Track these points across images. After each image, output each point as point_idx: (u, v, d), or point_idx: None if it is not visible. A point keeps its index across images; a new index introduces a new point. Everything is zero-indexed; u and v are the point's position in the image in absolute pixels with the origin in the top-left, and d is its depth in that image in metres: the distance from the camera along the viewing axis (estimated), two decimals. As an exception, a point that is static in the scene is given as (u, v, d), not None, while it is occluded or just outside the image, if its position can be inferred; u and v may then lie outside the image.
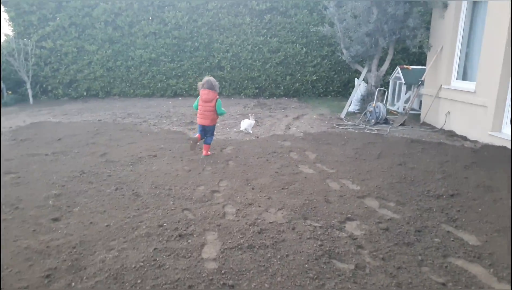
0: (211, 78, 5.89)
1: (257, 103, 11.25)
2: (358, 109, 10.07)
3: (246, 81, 12.96)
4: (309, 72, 12.86)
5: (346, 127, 8.30)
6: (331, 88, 13.20)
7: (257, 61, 12.71)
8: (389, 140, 6.97)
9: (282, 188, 4.44)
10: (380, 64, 9.63)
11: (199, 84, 5.90)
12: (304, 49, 12.66)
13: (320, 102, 12.16)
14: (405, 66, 10.53)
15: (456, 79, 8.18)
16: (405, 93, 10.26)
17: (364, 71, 9.61)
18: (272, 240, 3.17)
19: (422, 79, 8.74)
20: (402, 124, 8.54)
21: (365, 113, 8.98)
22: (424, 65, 9.63)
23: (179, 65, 12.83)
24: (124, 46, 12.70)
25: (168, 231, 3.39)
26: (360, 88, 9.79)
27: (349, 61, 9.59)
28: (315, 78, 12.88)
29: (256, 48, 12.67)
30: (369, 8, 8.76)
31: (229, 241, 3.19)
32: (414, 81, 10.16)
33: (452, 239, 3.15)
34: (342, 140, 6.92)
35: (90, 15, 12.45)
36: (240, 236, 3.26)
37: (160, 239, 3.25)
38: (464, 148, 6.38)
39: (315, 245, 3.08)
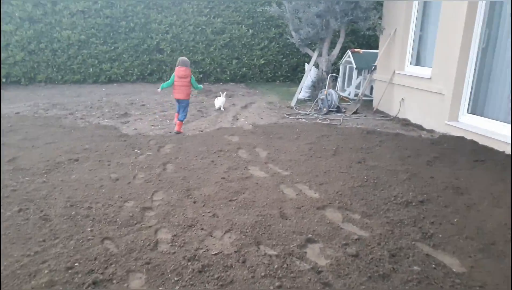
0: (185, 57, 6.79)
1: (202, 90, 10.32)
2: (308, 96, 9.55)
3: (190, 66, 11.92)
4: (256, 55, 12.11)
5: (297, 117, 7.72)
6: (279, 72, 12.58)
7: (200, 44, 11.71)
8: (343, 132, 6.49)
9: (230, 200, 3.72)
10: (331, 48, 9.12)
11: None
12: (251, 31, 11.85)
13: (268, 88, 11.51)
14: (356, 50, 10.14)
15: (410, 64, 7.88)
16: (356, 78, 9.90)
17: (314, 56, 9.05)
18: (218, 283, 2.45)
19: (375, 64, 8.35)
20: (355, 112, 8.14)
21: (316, 101, 8.46)
22: (376, 48, 9.28)
23: (112, 47, 11.45)
24: (48, 26, 11.03)
25: (79, 275, 2.54)
26: (310, 73, 9.24)
27: (298, 45, 8.97)
28: (262, 62, 12.17)
29: (198, 29, 11.64)
30: (320, -13, 8.14)
31: (160, 288, 2.42)
32: (365, 66, 9.81)
33: (433, 265, 2.63)
34: (294, 133, 6.32)
35: (2, -12, 10.60)
36: (176, 278, 2.51)
37: (66, 292, 2.40)
38: (422, 140, 6.05)
39: (271, 287, 2.41)
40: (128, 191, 3.91)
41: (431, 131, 6.68)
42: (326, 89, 8.30)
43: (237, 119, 7.46)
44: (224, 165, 4.73)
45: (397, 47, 7.99)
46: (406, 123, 7.35)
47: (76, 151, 5.15)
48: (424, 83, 6.99)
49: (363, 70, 9.98)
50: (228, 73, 12.14)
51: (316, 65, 9.42)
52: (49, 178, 4.22)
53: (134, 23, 11.34)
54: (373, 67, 8.36)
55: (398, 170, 4.59)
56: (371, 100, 9.16)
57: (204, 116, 7.61)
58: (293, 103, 8.85)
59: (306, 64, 9.55)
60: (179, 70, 6.47)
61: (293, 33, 9.01)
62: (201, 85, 7.22)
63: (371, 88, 10.57)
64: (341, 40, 8.75)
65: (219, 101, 8.25)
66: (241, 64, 12.12)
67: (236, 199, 3.72)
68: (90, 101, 8.91)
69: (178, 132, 6.29)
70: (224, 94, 8.47)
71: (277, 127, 6.76)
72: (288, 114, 7.87)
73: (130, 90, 10.70)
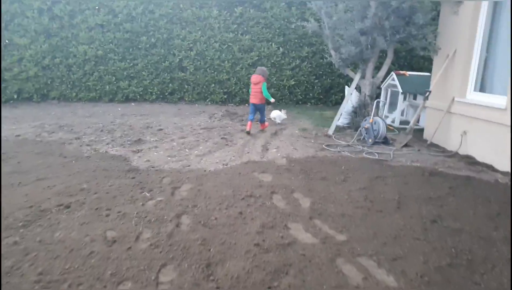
0: (263, 67, 7.61)
1: (226, 112, 9.31)
2: (347, 123, 8.37)
3: (213, 85, 11.00)
4: (286, 76, 11.07)
5: (338, 149, 6.54)
6: (310, 94, 11.48)
7: (226, 62, 10.78)
8: (400, 172, 5.26)
9: (269, 288, 2.56)
10: (375, 70, 7.97)
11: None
12: (281, 49, 10.85)
13: (299, 112, 10.39)
14: (401, 72, 8.96)
15: (474, 90, 6.62)
16: (402, 104, 8.68)
17: (356, 78, 7.91)
18: None
19: (430, 89, 7.12)
20: (405, 145, 6.90)
21: (360, 130, 7.27)
22: (419, 71, 8.07)
23: (131, 64, 10.66)
24: (63, 40, 10.39)
25: None
26: (351, 98, 8.08)
27: (338, 65, 7.87)
28: (293, 83, 11.11)
29: (224, 47, 10.73)
30: (366, 0, 7.05)
31: None
32: (412, 90, 8.61)
33: None
34: (340, 172, 5.14)
35: (20, 1, 10.05)
36: None
37: None
38: (503, 187, 4.76)
39: None
40: (126, 263, 2.81)
41: (507, 174, 5.37)
42: (371, 117, 7.11)
43: (267, 150, 6.35)
44: (256, 220, 3.59)
45: (457, 71, 6.76)
46: (471, 161, 6.05)
47: (70, 193, 4.12)
48: (495, 114, 5.72)
49: (407, 95, 8.77)
50: (236, 98, 11.12)
51: (358, 88, 8.27)
52: (25, 236, 3.18)
53: (155, 38, 10.55)
54: (428, 93, 7.12)
55: (494, 237, 3.34)
56: (419, 129, 7.90)
57: (229, 145, 6.53)
58: (331, 131, 7.68)
59: (346, 87, 8.44)
60: (252, 77, 7.35)
61: (333, 52, 7.94)
62: (269, 95, 7.51)
63: (414, 114, 9.33)
64: (388, 61, 7.60)
65: (275, 114, 8.45)
66: (269, 84, 11.08)
67: (277, 287, 2.56)
68: (102, 123, 8.01)
69: (263, 129, 7.60)
70: (285, 111, 8.55)
71: (316, 163, 5.59)
72: (327, 145, 6.70)
73: (148, 110, 9.80)
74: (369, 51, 7.42)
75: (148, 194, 4.15)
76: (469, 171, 5.54)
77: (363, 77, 7.90)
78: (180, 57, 10.68)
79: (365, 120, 7.27)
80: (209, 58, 10.76)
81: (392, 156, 6.20)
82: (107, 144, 6.35)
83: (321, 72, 11.23)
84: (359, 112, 7.96)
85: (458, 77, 6.76)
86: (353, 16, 7.28)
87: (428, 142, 7.16)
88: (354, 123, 8.03)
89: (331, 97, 11.50)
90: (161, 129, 7.41)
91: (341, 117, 8.47)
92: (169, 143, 6.48)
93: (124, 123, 8.06)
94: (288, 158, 5.81)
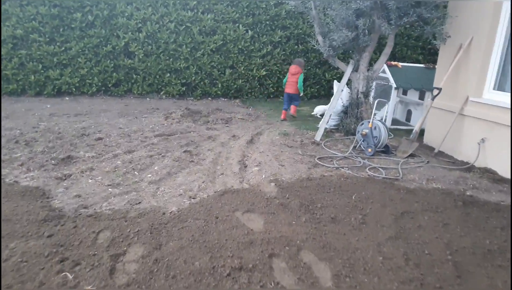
0: (300, 59, 7.76)
1: (187, 111, 7.63)
2: (335, 125, 7.06)
3: (168, 75, 9.23)
4: (256, 64, 9.54)
5: (334, 163, 5.20)
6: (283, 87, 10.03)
7: (184, 47, 9.05)
8: (425, 200, 4.04)
9: None
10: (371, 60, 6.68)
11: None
12: (250, 32, 9.29)
13: (272, 108, 8.96)
14: (393, 63, 7.78)
15: (493, 89, 5.53)
16: (393, 100, 7.52)
17: (348, 70, 6.57)
18: None
19: (440, 86, 5.94)
20: (411, 155, 5.72)
21: (348, 136, 5.99)
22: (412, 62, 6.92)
23: (63, 48, 8.60)
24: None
25: None
26: (342, 95, 6.74)
27: (327, 54, 6.47)
28: (264, 73, 9.61)
29: (182, 28, 8.97)
30: (365, -27, 5.67)
31: None
32: (405, 84, 7.46)
33: None
34: (351, 206, 3.81)
35: None
36: None
37: None
38: None
39: None
40: None
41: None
42: (370, 120, 5.83)
43: (246, 167, 4.88)
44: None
45: (474, 64, 5.63)
46: (496, 178, 4.97)
47: None
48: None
49: (398, 90, 7.64)
50: (219, 86, 9.50)
51: (347, 83, 6.96)
52: None
53: (93, 15, 8.54)
54: (438, 91, 5.94)
55: None
56: (410, 130, 6.78)
57: (195, 161, 4.97)
58: (318, 137, 6.33)
59: (335, 82, 7.08)
60: (291, 68, 7.63)
61: (320, 38, 6.53)
62: (302, 87, 7.72)
63: (408, 112, 8.24)
64: (387, 50, 6.32)
65: (319, 109, 8.22)
66: (237, 75, 9.52)
67: None
68: (21, 128, 6.08)
69: (293, 115, 7.77)
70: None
71: (316, 189, 4.21)
72: (319, 158, 5.34)
73: (86, 107, 7.89)
74: (367, 38, 6.08)
75: (70, 276, 2.54)
76: (501, 193, 4.44)
77: (355, 69, 6.58)
78: (126, 40, 8.78)
79: (362, 124, 5.98)
80: (162, 41, 8.95)
81: (401, 174, 4.96)
82: (20, 166, 4.53)
83: (295, 61, 9.81)
84: (351, 112, 6.67)
85: (475, 72, 5.63)
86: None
87: (436, 151, 6.03)
88: (343, 126, 6.73)
89: (306, 90, 10.15)
90: (100, 139, 5.63)
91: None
92: (111, 161, 4.78)
93: (51, 128, 6.16)
94: (277, 182, 4.37)
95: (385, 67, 7.77)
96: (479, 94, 5.68)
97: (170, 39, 8.92)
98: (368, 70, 6.50)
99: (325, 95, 10.41)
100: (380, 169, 5.13)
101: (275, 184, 4.32)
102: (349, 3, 5.82)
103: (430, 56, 10.20)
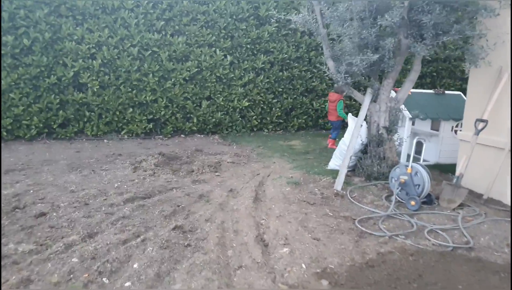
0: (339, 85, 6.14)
1: (161, 157, 5.93)
2: (350, 166, 5.73)
3: (131, 110, 7.52)
4: (237, 94, 8.12)
5: (381, 228, 3.81)
6: (268, 118, 8.68)
7: (151, 76, 7.43)
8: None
9: None
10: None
11: None
12: (229, 58, 7.89)
13: (261, 144, 7.53)
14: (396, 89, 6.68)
15: (557, 120, 4.49)
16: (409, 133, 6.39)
17: (366, 101, 5.32)
18: None
19: (485, 118, 4.81)
20: (460, 206, 4.50)
21: (381, 183, 4.68)
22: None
23: (-10, 80, 6.65)
24: None
25: None
26: (361, 131, 5.44)
27: (342, 83, 5.17)
28: (246, 104, 8.19)
29: (147, 53, 7.38)
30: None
31: None
32: (420, 114, 6.36)
33: None
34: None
35: None
36: None
37: None
38: None
39: None
40: None
41: None
42: (409, 164, 4.55)
43: (268, 246, 3.35)
44: None
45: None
46: None
47: None
48: None
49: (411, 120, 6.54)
50: (194, 120, 7.92)
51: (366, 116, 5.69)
52: None
53: (31, 38, 6.71)
54: (484, 124, 4.80)
55: None
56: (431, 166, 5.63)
57: (193, 245, 3.33)
58: (339, 185, 4.93)
59: (349, 115, 5.78)
60: (329, 95, 7.52)
61: (331, 63, 5.25)
62: (344, 114, 7.23)
63: (418, 145, 7.13)
64: (413, 76, 5.16)
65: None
66: (215, 107, 8.03)
67: None
68: None
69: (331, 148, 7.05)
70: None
71: (392, 287, 2.76)
72: (359, 222, 3.93)
73: (22, 158, 5.96)
74: (392, 61, 4.87)
75: None
76: None
77: (373, 100, 5.35)
78: (75, 69, 7.00)
79: (397, 168, 4.69)
80: (123, 70, 7.28)
81: (470, 239, 3.66)
82: None
83: (280, 89, 8.51)
84: (372, 151, 5.37)
85: None
86: (368, 6, 4.66)
87: (485, 197, 4.84)
88: (363, 168, 5.41)
89: (292, 121, 8.86)
90: (43, 214, 3.78)
91: (336, 156, 5.81)
92: (61, 259, 3.01)
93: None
94: (328, 276, 2.89)
95: (369, 90, 6.67)
96: (534, 125, 4.64)
97: (133, 67, 7.27)
98: (390, 98, 5.28)
99: (313, 126, 9.17)
100: (440, 232, 3.82)
101: (329, 282, 2.82)
102: (374, 19, 4.60)
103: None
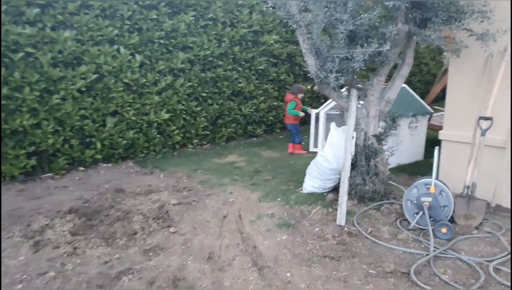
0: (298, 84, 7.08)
1: (76, 215, 3.91)
2: (330, 188, 4.68)
3: (-1, 142, 5.11)
4: (152, 104, 6.33)
5: (456, 286, 2.86)
6: (192, 131, 7.09)
7: (27, 89, 5.12)
8: None
9: None
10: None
11: None
12: (138, 57, 6.04)
13: (196, 166, 6.00)
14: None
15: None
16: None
17: (353, 105, 4.29)
18: None
19: (489, 115, 4.26)
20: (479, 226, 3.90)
21: (383, 204, 3.79)
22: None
23: None
24: None
25: None
26: (349, 144, 4.40)
27: (323, 82, 4.04)
28: (166, 116, 6.46)
29: (19, 56, 5.05)
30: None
31: None
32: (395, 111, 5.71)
33: None
34: None
35: None
36: None
37: None
38: None
39: None
40: None
41: None
42: (432, 182, 3.71)
43: None
44: None
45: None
46: None
47: None
48: None
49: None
50: (97, 146, 5.85)
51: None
52: None
53: None
54: (490, 123, 4.24)
55: None
56: (398, 169, 5.06)
57: None
58: (342, 220, 3.83)
59: (332, 124, 4.66)
60: (286, 96, 6.90)
61: (310, 59, 4.06)
62: (295, 111, 6.64)
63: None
64: (405, 71, 4.33)
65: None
66: (125, 124, 6.09)
67: None
68: None
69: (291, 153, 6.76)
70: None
71: None
72: (416, 275, 2.89)
73: None
74: (391, 53, 3.94)
75: None
76: None
77: (365, 95, 4.38)
78: None
79: (413, 188, 3.82)
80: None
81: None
82: None
83: (205, 94, 7.00)
84: (364, 166, 4.41)
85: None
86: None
87: (493, 205, 4.34)
88: (352, 188, 4.42)
89: (220, 131, 7.45)
90: None
91: (313, 176, 4.71)
92: None
93: None
94: None
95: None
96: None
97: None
98: (381, 95, 4.39)
99: (243, 135, 7.93)
100: (506, 269, 3.05)
101: None
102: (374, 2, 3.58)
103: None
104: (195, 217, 4.09)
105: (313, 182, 4.70)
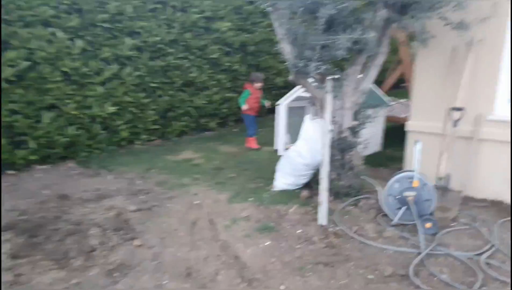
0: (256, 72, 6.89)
1: (14, 232, 3.22)
2: (304, 184, 4.44)
3: None
4: (96, 97, 5.61)
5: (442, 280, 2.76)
6: (141, 126, 6.45)
7: None
8: None
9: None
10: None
11: None
12: (79, 43, 5.29)
13: (149, 164, 5.44)
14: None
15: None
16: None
17: (329, 96, 4.04)
18: None
19: (461, 107, 4.26)
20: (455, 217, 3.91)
21: (358, 200, 3.66)
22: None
23: None
24: None
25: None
26: (324, 136, 4.15)
27: (299, 72, 3.74)
28: (112, 109, 5.77)
29: None
30: None
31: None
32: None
33: None
34: None
35: None
36: None
37: None
38: None
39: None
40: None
41: None
42: (415, 176, 3.61)
43: None
44: None
45: (483, 70, 4.29)
46: None
47: None
48: None
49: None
50: (31, 145, 5.03)
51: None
52: None
53: None
54: (460, 113, 4.24)
55: None
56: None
57: None
58: (324, 219, 3.60)
59: (306, 117, 4.35)
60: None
61: (287, 48, 3.73)
62: (242, 102, 6.36)
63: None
64: (380, 60, 4.16)
65: None
66: (63, 119, 5.33)
67: None
68: None
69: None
70: None
71: None
72: (414, 277, 2.73)
73: None
74: (368, 40, 3.75)
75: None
76: None
77: (339, 85, 4.15)
78: None
79: (395, 183, 3.69)
80: None
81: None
82: None
83: (154, 85, 6.38)
84: (338, 160, 4.21)
85: (483, 81, 4.29)
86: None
87: (462, 194, 4.39)
88: (329, 184, 4.21)
89: (171, 125, 6.89)
90: None
91: (285, 172, 4.43)
92: None
93: None
94: None
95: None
96: (491, 109, 4.39)
97: None
98: (357, 84, 4.19)
99: (195, 129, 7.42)
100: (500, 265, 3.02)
101: None
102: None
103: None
104: (160, 225, 3.61)
105: (285, 179, 4.42)
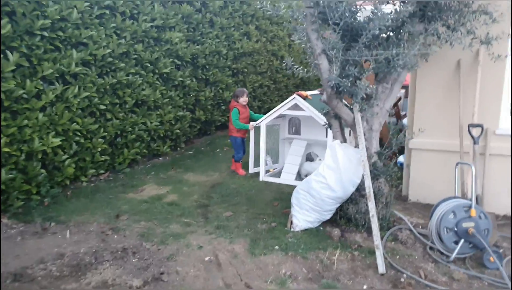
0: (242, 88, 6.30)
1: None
2: (325, 219, 3.88)
3: None
4: (35, 126, 4.27)
5: None
6: (87, 158, 5.17)
7: None
8: None
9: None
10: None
11: None
12: (12, 56, 3.93)
13: (110, 208, 4.38)
14: (303, 93, 5.35)
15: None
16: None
17: (358, 118, 3.55)
18: None
19: (479, 123, 4.13)
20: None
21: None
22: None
23: None
24: None
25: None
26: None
27: (333, 92, 3.19)
28: (57, 141, 4.47)
29: None
30: None
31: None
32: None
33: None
34: None
35: None
36: None
37: None
38: None
39: None
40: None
41: None
42: (473, 205, 3.31)
43: None
44: None
45: (486, 83, 4.30)
46: None
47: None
48: None
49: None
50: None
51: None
52: None
53: None
54: (481, 130, 4.10)
55: None
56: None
57: None
58: (382, 267, 3.08)
59: (328, 143, 3.73)
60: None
61: (324, 63, 3.13)
62: (241, 124, 5.68)
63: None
64: (402, 77, 3.80)
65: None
66: (9, 144, 3.93)
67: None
68: None
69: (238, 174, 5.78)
70: None
71: None
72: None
73: None
74: (404, 54, 3.35)
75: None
76: None
77: (363, 108, 3.68)
78: None
79: (449, 214, 3.33)
80: None
81: None
82: None
83: (103, 106, 5.18)
84: (362, 190, 3.74)
85: (489, 94, 4.30)
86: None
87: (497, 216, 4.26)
88: (356, 219, 3.73)
89: (121, 154, 5.73)
90: None
91: (306, 208, 3.82)
92: None
93: None
94: None
95: (299, 99, 5.19)
96: (496, 123, 4.40)
97: None
98: (383, 106, 3.76)
99: (146, 155, 6.32)
100: None
101: None
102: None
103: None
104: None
105: (306, 216, 3.80)
